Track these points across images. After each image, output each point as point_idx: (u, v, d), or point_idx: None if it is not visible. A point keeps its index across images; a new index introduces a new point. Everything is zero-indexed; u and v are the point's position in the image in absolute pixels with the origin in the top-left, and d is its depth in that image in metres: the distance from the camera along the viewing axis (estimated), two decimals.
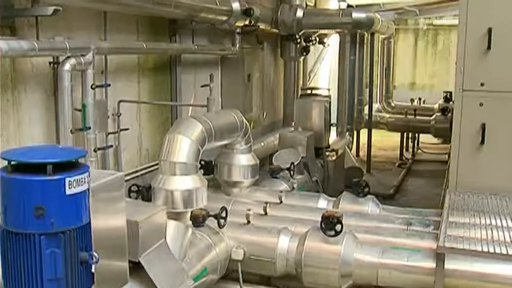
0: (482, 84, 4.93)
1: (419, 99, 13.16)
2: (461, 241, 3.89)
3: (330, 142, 8.04)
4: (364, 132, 11.18)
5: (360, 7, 11.33)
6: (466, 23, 4.94)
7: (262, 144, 7.33)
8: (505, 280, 3.73)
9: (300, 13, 8.28)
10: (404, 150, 12.54)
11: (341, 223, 3.92)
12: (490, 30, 4.83)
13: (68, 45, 4.00)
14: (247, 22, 6.76)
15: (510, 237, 4.01)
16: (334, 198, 5.10)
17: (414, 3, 13.57)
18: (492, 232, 4.12)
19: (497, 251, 3.74)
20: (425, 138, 12.74)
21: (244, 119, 5.01)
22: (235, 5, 6.34)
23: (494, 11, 4.88)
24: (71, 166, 2.45)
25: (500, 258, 3.71)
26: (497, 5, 4.88)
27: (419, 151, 12.97)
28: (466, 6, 4.93)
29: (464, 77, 4.97)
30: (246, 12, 6.56)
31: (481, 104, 4.94)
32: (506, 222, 4.33)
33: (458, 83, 5.01)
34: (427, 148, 12.88)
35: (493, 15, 4.87)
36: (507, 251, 3.71)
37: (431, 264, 3.81)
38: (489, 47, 4.85)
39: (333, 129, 8.71)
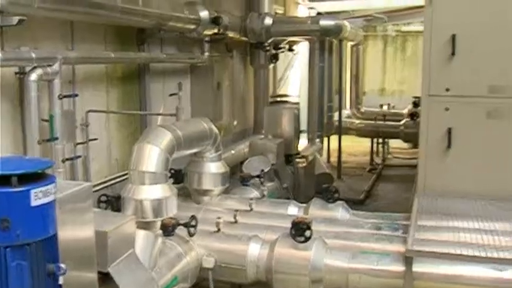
0: (447, 90, 5.03)
1: (389, 104, 13.30)
2: (429, 244, 3.96)
3: (300, 149, 8.08)
4: (334, 139, 11.26)
5: (329, 14, 11.43)
6: (431, 30, 5.05)
7: (233, 152, 7.34)
8: (472, 281, 3.79)
9: (268, 21, 8.32)
10: (374, 155, 12.67)
11: (310, 229, 3.94)
12: (453, 37, 4.93)
13: (33, 55, 3.96)
14: (216, 30, 6.78)
15: (477, 239, 4.09)
16: (304, 205, 5.13)
17: (383, 10, 13.74)
18: (460, 234, 4.20)
19: (465, 253, 3.81)
20: (395, 143, 12.88)
21: (213, 127, 5.02)
22: (204, 14, 6.35)
23: (457, 18, 4.99)
24: (37, 177, 2.44)
25: (467, 260, 3.77)
26: (460, 12, 4.99)
27: (389, 156, 13.10)
28: (430, 14, 5.03)
29: (430, 83, 5.07)
30: (215, 21, 6.57)
31: (446, 109, 5.04)
32: (474, 224, 4.42)
33: (424, 89, 5.10)
34: (397, 153, 13.02)
35: (457, 22, 4.97)
36: (474, 252, 3.79)
37: (400, 267, 3.85)
38: (453, 53, 4.95)
39: (304, 136, 8.76)
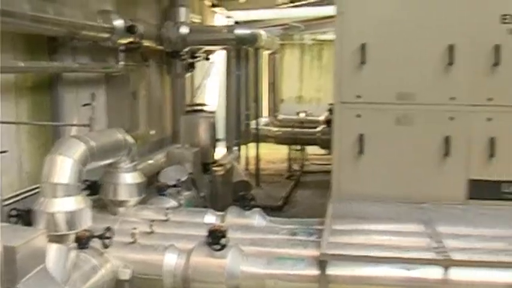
0: (358, 97, 5.18)
1: (306, 112, 13.54)
2: (343, 247, 4.07)
3: (218, 157, 8.11)
4: (253, 146, 11.36)
5: (246, 23, 11.54)
6: (342, 39, 5.19)
7: (150, 162, 7.28)
8: (383, 282, 3.90)
9: (184, 30, 8.33)
10: (292, 162, 12.85)
11: (226, 237, 3.96)
12: (363, 46, 5.09)
13: None
14: (131, 39, 6.72)
15: (388, 240, 4.24)
16: (221, 213, 5.14)
17: (299, 19, 13.98)
18: (372, 237, 4.34)
19: (377, 254, 3.94)
20: (313, 150, 13.12)
21: (128, 137, 4.95)
22: (118, 23, 6.28)
23: (367, 27, 5.16)
24: None
25: (378, 261, 3.90)
26: (370, 22, 5.16)
27: (307, 162, 13.33)
28: (341, 23, 5.18)
29: (341, 90, 5.21)
30: (129, 30, 6.52)
31: (358, 116, 5.19)
32: (385, 227, 4.57)
33: (336, 96, 5.24)
34: (315, 159, 13.25)
35: (366, 32, 5.14)
36: (384, 254, 3.92)
37: (314, 271, 3.92)
38: (363, 62, 5.11)
39: (222, 144, 8.80)
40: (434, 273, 3.82)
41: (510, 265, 3.81)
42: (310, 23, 14.79)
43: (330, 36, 16.73)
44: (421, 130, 5.16)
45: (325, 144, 11.51)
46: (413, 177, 5.20)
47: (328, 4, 6.61)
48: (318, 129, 11.70)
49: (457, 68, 5.09)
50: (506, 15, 5.08)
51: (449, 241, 4.15)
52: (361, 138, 5.16)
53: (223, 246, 3.95)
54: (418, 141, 5.17)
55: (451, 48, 5.05)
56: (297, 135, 12.24)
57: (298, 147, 12.99)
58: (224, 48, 9.68)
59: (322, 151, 12.87)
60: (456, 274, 3.79)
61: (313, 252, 4.13)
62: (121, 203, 5.07)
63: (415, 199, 5.11)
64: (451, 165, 5.17)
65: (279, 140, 12.49)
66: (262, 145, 11.51)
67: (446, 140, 5.12)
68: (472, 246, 4.13)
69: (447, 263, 3.81)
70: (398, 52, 5.14)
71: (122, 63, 6.86)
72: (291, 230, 4.72)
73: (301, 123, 12.48)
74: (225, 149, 9.25)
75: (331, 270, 3.89)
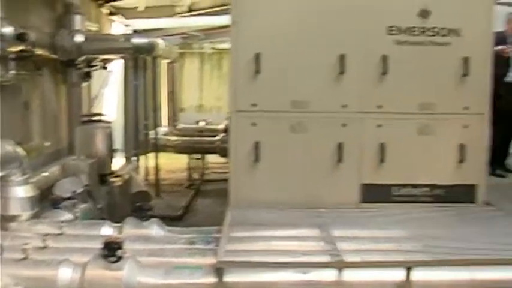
0: (254, 105, 5.26)
1: (205, 120, 13.57)
2: (241, 254, 4.11)
3: (116, 168, 7.98)
4: (152, 156, 11.25)
5: (145, 32, 11.45)
6: (237, 48, 5.26)
7: (45, 174, 7.04)
8: (284, 286, 3.95)
9: (79, 38, 8.14)
10: (193, 171, 12.82)
11: (122, 248, 3.91)
12: (258, 55, 5.18)
13: None
14: (22, 47, 6.49)
15: (285, 246, 4.32)
16: (118, 225, 5.06)
17: (198, 28, 14.01)
18: (270, 243, 4.40)
19: (274, 260, 4.00)
20: (213, 158, 13.15)
21: (19, 150, 4.80)
22: (7, 30, 6.05)
23: (261, 37, 5.26)
24: None
25: (274, 266, 3.96)
26: (264, 31, 5.27)
27: (207, 171, 13.34)
28: (235, 33, 5.25)
29: (237, 99, 5.28)
30: (20, 37, 6.29)
31: (254, 124, 5.27)
32: (283, 232, 4.65)
33: (232, 104, 5.30)
34: (215, 168, 13.29)
35: (261, 41, 5.24)
36: (280, 259, 3.99)
37: (212, 279, 3.93)
38: (258, 71, 5.20)
39: (120, 155, 8.67)
40: (329, 275, 3.92)
41: (399, 264, 3.97)
42: (209, 32, 14.87)
43: (229, 45, 16.85)
44: (314, 137, 5.31)
45: (225, 152, 11.44)
46: (308, 183, 5.35)
47: (226, 14, 6.72)
48: (218, 137, 11.74)
49: (348, 77, 5.30)
50: (392, 26, 5.34)
51: (342, 244, 4.28)
52: (257, 146, 5.25)
53: (119, 258, 3.89)
54: (312, 148, 5.33)
55: (342, 58, 5.25)
56: (196, 144, 12.23)
57: (199, 156, 12.98)
58: (121, 57, 9.54)
59: (222, 159, 12.95)
60: (349, 275, 3.92)
61: (211, 260, 4.13)
62: (13, 218, 4.88)
63: (310, 204, 5.26)
64: (344, 171, 5.36)
65: (179, 149, 12.42)
66: (162, 155, 11.42)
67: (339, 147, 5.30)
68: (365, 248, 4.27)
69: (340, 265, 3.93)
70: (292, 61, 5.28)
71: (12, 72, 6.60)
72: (190, 239, 4.71)
73: (201, 132, 12.49)
74: (124, 160, 9.11)
75: (229, 278, 3.91)
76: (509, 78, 7.38)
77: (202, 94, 19.26)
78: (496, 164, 7.61)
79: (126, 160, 9.20)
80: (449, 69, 5.43)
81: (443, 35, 5.39)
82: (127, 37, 9.10)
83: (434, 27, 5.38)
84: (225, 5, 5.32)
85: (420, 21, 5.37)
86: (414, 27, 5.37)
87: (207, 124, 13.40)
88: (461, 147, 5.47)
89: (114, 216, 6.69)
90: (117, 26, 11.98)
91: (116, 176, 7.64)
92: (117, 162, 8.12)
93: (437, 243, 4.35)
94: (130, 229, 4.88)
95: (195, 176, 12.86)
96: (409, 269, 3.91)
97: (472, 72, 5.41)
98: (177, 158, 13.02)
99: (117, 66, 10.58)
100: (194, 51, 18.76)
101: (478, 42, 5.45)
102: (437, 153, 5.49)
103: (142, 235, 4.80)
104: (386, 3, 5.36)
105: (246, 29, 5.22)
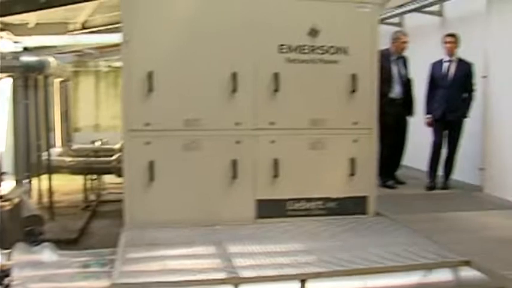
0: (147, 124, 5.22)
1: (101, 140, 13.30)
2: (136, 275, 4.05)
3: (5, 192, 7.65)
4: (46, 178, 10.87)
5: (37, 49, 11.10)
6: (129, 67, 5.21)
7: None
8: None
9: None
10: (89, 192, 12.50)
11: (10, 276, 3.76)
12: (150, 74, 5.16)
13: None
14: None
15: (182, 265, 4.30)
16: (7, 251, 4.85)
17: (92, 46, 13.74)
18: (166, 262, 4.36)
19: (170, 279, 3.98)
20: (111, 179, 12.88)
21: None
22: None
23: (153, 56, 5.24)
24: None
25: (173, 286, 3.94)
26: (156, 50, 5.25)
27: (104, 192, 13.05)
28: (127, 52, 5.19)
29: (130, 118, 5.22)
30: None
31: (147, 143, 5.23)
32: (179, 251, 4.62)
33: (125, 124, 5.24)
34: (112, 188, 13.01)
35: (153, 60, 5.22)
36: (176, 278, 3.97)
37: None
38: (151, 89, 5.17)
39: (11, 178, 8.32)
40: None
41: (294, 277, 4.08)
42: (104, 50, 14.62)
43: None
44: (209, 155, 5.35)
45: (121, 172, 11.33)
46: (203, 200, 5.37)
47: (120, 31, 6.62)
48: (114, 157, 11.52)
49: (240, 95, 5.38)
50: (283, 45, 5.48)
51: (238, 260, 4.33)
52: (151, 165, 5.21)
53: (6, 287, 3.74)
54: (207, 165, 5.36)
55: (234, 76, 5.32)
56: (92, 165, 11.93)
57: (94, 176, 12.67)
58: (9, 76, 9.20)
59: (119, 179, 12.71)
60: None
61: (105, 283, 4.06)
62: None
63: (207, 222, 5.28)
64: (239, 187, 5.42)
65: (74, 170, 12.06)
66: (57, 176, 11.06)
67: (233, 163, 5.36)
68: (260, 263, 4.33)
69: (236, 281, 3.97)
70: (185, 80, 5.30)
71: None
72: (84, 263, 4.59)
73: (97, 152, 12.21)
74: (14, 183, 8.75)
75: None
76: (393, 95, 7.72)
77: (98, 113, 18.87)
78: (384, 175, 7.94)
79: (17, 183, 8.83)
80: (338, 86, 5.63)
81: (332, 53, 5.59)
82: (16, 55, 8.80)
83: (323, 46, 5.57)
84: (118, 23, 5.24)
85: (310, 40, 5.55)
86: (304, 46, 5.54)
87: (103, 144, 13.13)
88: (352, 161, 5.68)
89: (4, 242, 6.41)
90: (5, 43, 11.52)
91: (5, 200, 7.32)
92: (7, 186, 7.77)
93: (331, 254, 4.49)
94: (20, 255, 4.69)
95: (92, 197, 12.54)
96: (303, 282, 4.02)
97: (359, 89, 5.64)
98: (72, 179, 12.64)
99: (5, 85, 10.17)
100: (89, 70, 18.38)
101: (365, 60, 5.70)
102: (329, 167, 5.68)
103: (33, 261, 4.64)
104: (277, 22, 5.49)
105: (137, 47, 5.18)
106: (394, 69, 7.76)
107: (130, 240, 4.83)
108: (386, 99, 7.55)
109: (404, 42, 7.85)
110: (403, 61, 7.95)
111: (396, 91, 7.75)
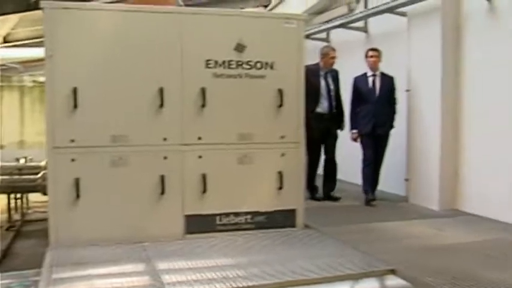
0: (72, 141, 5.12)
1: (26, 157, 12.89)
2: None
3: None
4: None
5: None
6: (53, 82, 5.09)
7: None
8: None
9: None
10: (13, 212, 12.08)
11: None
12: (75, 89, 5.07)
13: None
14: None
15: (111, 283, 4.22)
16: None
17: (16, 60, 13.41)
18: (93, 282, 4.27)
19: None
20: (36, 197, 12.50)
21: None
22: None
23: (77, 71, 5.14)
24: None
25: None
26: (80, 65, 5.15)
27: (29, 211, 12.65)
28: (50, 67, 5.08)
29: (54, 135, 5.10)
30: None
31: (73, 160, 5.12)
32: (107, 270, 4.54)
33: (49, 141, 5.12)
34: (38, 207, 12.64)
35: (77, 75, 5.13)
36: None
37: None
38: (76, 105, 5.08)
39: None
40: None
41: None
42: (29, 65, 14.29)
43: None
44: (136, 171, 5.28)
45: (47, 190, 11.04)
46: (132, 217, 5.29)
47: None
48: (39, 175, 11.19)
49: (167, 110, 5.35)
50: (210, 60, 5.50)
51: (167, 277, 4.29)
52: (77, 183, 5.11)
53: None
54: (134, 181, 5.29)
55: (161, 91, 5.29)
56: (16, 183, 11.51)
57: (19, 195, 12.27)
58: None
59: (45, 198, 12.35)
60: None
61: None
62: None
63: (135, 239, 5.21)
64: (167, 203, 5.38)
65: None
66: None
67: (161, 179, 5.32)
68: (190, 278, 4.30)
69: None
70: (111, 95, 5.22)
71: None
72: (7, 285, 4.46)
73: (21, 170, 11.83)
74: None
75: None
76: (321, 109, 7.83)
77: (23, 129, 18.38)
78: (312, 188, 8.06)
79: None
80: (265, 101, 5.69)
81: (259, 68, 5.65)
82: None
83: (249, 61, 5.62)
84: (42, 37, 5.13)
85: (236, 55, 5.59)
86: (231, 61, 5.57)
87: (27, 161, 12.73)
88: (280, 175, 5.73)
89: None
90: None
91: None
92: None
93: (259, 268, 4.51)
94: None
95: (16, 216, 12.12)
96: None
97: (286, 103, 5.72)
98: None
99: None
100: (13, 84, 17.90)
101: (291, 75, 5.78)
102: (257, 181, 5.71)
103: None
104: (203, 37, 5.50)
105: (61, 62, 5.08)
106: (323, 84, 7.86)
107: (56, 260, 4.71)
108: (313, 114, 7.66)
109: (333, 58, 7.97)
110: (334, 76, 8.01)
111: (324, 106, 7.84)
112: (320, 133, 7.77)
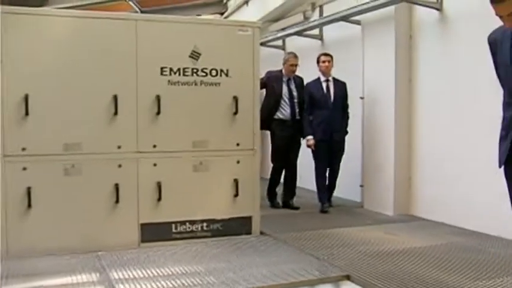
0: (24, 149, 5.03)
1: None
2: None
3: None
4: None
5: None
6: (3, 89, 4.98)
7: None
8: None
9: None
10: None
11: None
12: (26, 97, 4.98)
13: None
14: None
15: None
16: None
17: None
18: None
19: None
20: None
21: None
22: None
23: (28, 78, 5.06)
24: None
25: None
26: (32, 72, 5.08)
27: None
28: (1, 73, 4.97)
29: (5, 143, 5.00)
30: None
31: (24, 168, 5.03)
32: (58, 280, 4.46)
33: None
34: None
35: (28, 83, 5.04)
36: None
37: None
38: (27, 113, 5.00)
39: None
40: None
41: None
42: None
43: None
44: (90, 179, 5.22)
45: None
46: (86, 226, 5.23)
47: None
48: None
49: (122, 118, 5.31)
50: (164, 67, 5.48)
51: (121, 286, 4.25)
52: (28, 192, 5.02)
53: None
54: (89, 190, 5.23)
55: (115, 99, 5.25)
56: None
57: None
58: None
59: None
60: None
61: None
62: None
63: (90, 248, 5.16)
64: (122, 211, 5.34)
65: None
66: None
67: (116, 187, 5.28)
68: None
69: None
70: (63, 103, 5.16)
71: None
72: None
73: None
74: None
75: None
76: (283, 116, 7.74)
77: None
78: (272, 196, 8.07)
79: None
80: (220, 108, 5.70)
81: (214, 75, 5.66)
82: None
83: (204, 68, 5.62)
84: None
85: (191, 62, 5.58)
86: (186, 68, 5.56)
87: None
88: (235, 182, 5.74)
89: None
90: None
91: None
92: None
93: (215, 276, 4.50)
94: None
95: None
96: None
97: (241, 110, 5.73)
98: None
99: None
100: None
101: (246, 82, 5.81)
102: (212, 188, 5.71)
103: None
104: (158, 44, 5.48)
105: (11, 69, 4.98)
106: (285, 90, 7.79)
107: (8, 272, 4.60)
108: (275, 120, 7.66)
109: (292, 65, 7.88)
110: (298, 82, 7.94)
111: (286, 112, 7.76)
112: (284, 141, 7.72)
